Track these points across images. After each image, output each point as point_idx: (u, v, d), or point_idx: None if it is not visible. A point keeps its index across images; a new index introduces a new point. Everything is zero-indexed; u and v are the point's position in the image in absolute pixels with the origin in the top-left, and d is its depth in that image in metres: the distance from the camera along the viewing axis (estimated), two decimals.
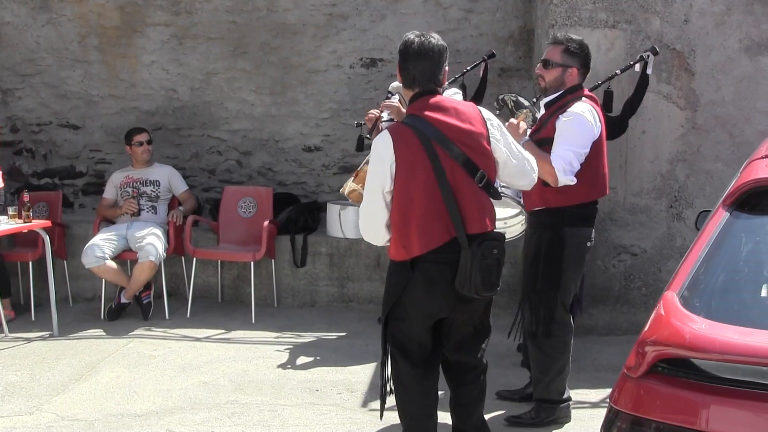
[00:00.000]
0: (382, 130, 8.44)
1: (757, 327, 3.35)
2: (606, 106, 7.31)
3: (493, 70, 9.86)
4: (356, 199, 6.26)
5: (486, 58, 8.53)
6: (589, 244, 6.26)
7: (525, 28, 10.04)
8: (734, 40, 8.28)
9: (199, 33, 10.53)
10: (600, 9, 8.25)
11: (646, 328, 3.48)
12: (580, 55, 6.24)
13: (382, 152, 4.94)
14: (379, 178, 4.94)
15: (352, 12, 10.31)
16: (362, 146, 8.36)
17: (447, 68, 5.17)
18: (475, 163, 4.97)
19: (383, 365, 5.26)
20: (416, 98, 5.08)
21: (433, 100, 5.04)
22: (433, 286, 5.00)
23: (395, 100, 7.97)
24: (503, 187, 5.71)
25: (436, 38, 5.09)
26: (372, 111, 8.08)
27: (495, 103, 6.73)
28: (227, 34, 10.51)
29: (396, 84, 7.85)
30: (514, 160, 5.17)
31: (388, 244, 5.16)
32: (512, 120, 5.94)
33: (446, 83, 5.34)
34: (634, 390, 3.41)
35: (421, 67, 5.03)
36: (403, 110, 7.82)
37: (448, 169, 4.91)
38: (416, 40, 5.04)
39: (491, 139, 5.06)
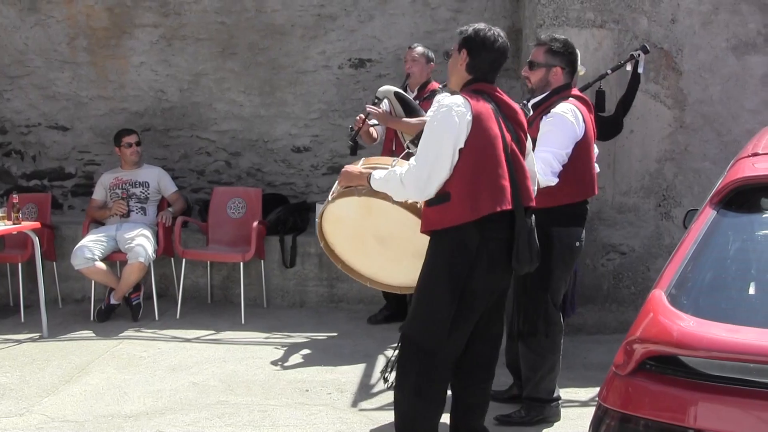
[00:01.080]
0: (371, 132, 8.51)
1: (744, 324, 3.37)
2: (598, 106, 7.31)
3: None
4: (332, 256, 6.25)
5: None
6: (578, 244, 6.25)
7: (513, 28, 10.05)
8: (721, 39, 8.32)
9: (187, 34, 10.53)
10: (588, 9, 8.27)
11: (634, 326, 3.50)
12: (564, 54, 6.25)
13: (460, 110, 4.96)
14: (455, 134, 4.94)
15: (340, 13, 10.32)
16: (356, 151, 8.36)
17: None
18: (523, 146, 5.22)
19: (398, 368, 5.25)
20: (474, 82, 5.21)
21: (492, 86, 5.23)
22: (495, 266, 5.06)
23: (385, 105, 7.98)
24: None
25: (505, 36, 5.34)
26: (359, 116, 8.10)
27: None
28: (216, 35, 10.51)
29: (384, 88, 7.84)
30: (532, 158, 5.43)
31: (421, 202, 5.20)
32: None
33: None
34: (623, 387, 3.43)
35: (496, 62, 5.25)
36: (389, 118, 7.85)
37: (509, 143, 5.08)
38: (499, 35, 5.25)
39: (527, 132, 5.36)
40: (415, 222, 5.30)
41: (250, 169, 10.80)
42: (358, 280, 6.28)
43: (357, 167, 5.58)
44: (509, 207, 4.98)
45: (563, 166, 5.98)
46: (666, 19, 8.29)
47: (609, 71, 7.57)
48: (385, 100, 7.84)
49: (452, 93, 5.24)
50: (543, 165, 5.90)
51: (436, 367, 5.11)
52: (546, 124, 6.03)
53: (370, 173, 5.32)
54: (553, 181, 5.93)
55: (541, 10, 8.32)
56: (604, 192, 8.24)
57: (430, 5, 10.17)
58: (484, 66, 5.20)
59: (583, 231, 6.32)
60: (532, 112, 6.34)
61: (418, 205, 5.32)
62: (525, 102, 6.74)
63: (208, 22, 10.47)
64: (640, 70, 7.56)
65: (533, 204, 5.18)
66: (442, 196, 5.00)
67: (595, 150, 6.43)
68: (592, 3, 8.26)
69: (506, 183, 4.99)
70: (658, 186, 8.44)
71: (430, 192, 5.02)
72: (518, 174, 5.08)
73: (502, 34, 5.26)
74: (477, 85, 5.18)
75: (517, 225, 5.01)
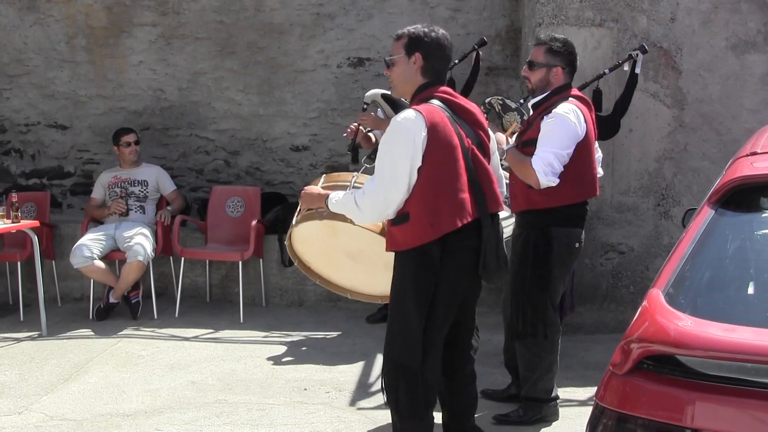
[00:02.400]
0: (370, 137, 8.54)
1: (741, 324, 3.36)
2: (595, 105, 7.29)
3: (481, 69, 9.86)
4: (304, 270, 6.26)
5: (477, 46, 8.54)
6: (577, 244, 6.24)
7: (512, 26, 10.06)
8: (721, 38, 8.32)
9: (186, 33, 10.52)
10: (587, 7, 8.27)
11: (631, 325, 3.49)
12: (564, 54, 6.22)
13: (414, 129, 4.87)
14: (410, 155, 4.85)
15: (339, 11, 10.32)
16: (357, 157, 8.39)
17: None
18: (485, 148, 5.12)
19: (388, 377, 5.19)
20: (428, 86, 5.11)
21: (444, 88, 5.13)
22: (461, 277, 5.00)
23: (380, 112, 8.00)
24: None
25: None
26: (352, 125, 8.13)
27: (482, 107, 6.76)
28: (214, 34, 10.51)
29: (371, 92, 7.86)
30: (496, 159, 5.41)
31: (382, 223, 5.19)
32: (498, 134, 6.02)
33: None
34: (620, 387, 3.42)
35: (446, 62, 5.21)
36: (381, 122, 7.87)
37: (469, 149, 4.99)
38: (444, 35, 5.16)
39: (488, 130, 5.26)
40: (380, 240, 5.29)
41: (248, 168, 10.80)
42: (337, 292, 6.32)
43: (316, 188, 5.50)
44: (471, 219, 4.91)
45: (564, 166, 5.97)
46: (665, 17, 8.28)
47: (607, 71, 7.55)
48: (375, 104, 7.86)
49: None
50: (544, 165, 5.89)
51: (421, 384, 5.06)
52: (547, 124, 6.01)
53: (328, 195, 5.25)
54: (554, 181, 5.92)
55: (540, 9, 8.32)
56: (603, 191, 8.23)
57: (429, 4, 10.17)
58: (440, 67, 5.14)
59: (583, 232, 6.31)
60: (531, 112, 6.34)
61: (382, 224, 5.30)
62: (522, 101, 6.77)
63: (207, 21, 10.47)
64: (637, 70, 7.52)
65: (502, 208, 5.12)
66: (402, 216, 4.94)
67: (598, 153, 6.43)
68: (591, 2, 8.26)
69: (466, 195, 4.90)
70: (657, 185, 8.44)
71: (389, 214, 4.99)
72: (483, 180, 5.00)
73: (446, 33, 5.19)
74: (429, 91, 5.08)
75: (484, 233, 4.94)
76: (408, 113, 4.97)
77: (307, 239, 5.96)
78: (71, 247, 9.25)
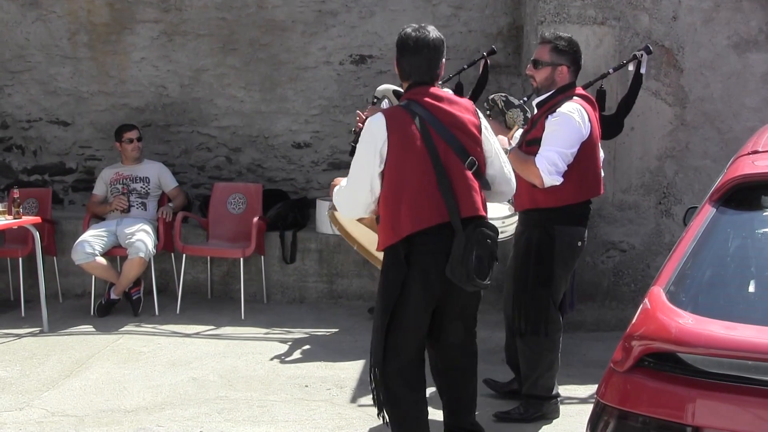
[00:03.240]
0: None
1: (742, 321, 3.37)
2: (599, 105, 7.27)
3: None
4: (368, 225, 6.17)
5: (486, 54, 8.56)
6: (580, 243, 6.23)
7: (514, 24, 10.06)
8: (723, 36, 8.32)
9: (188, 30, 10.53)
10: (589, 6, 8.27)
11: (632, 323, 3.50)
12: (570, 53, 6.22)
13: (375, 132, 4.93)
14: (370, 158, 4.93)
15: (341, 9, 10.33)
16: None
17: (444, 61, 5.22)
18: (467, 150, 5.01)
19: (374, 375, 5.20)
20: (411, 87, 5.11)
21: (426, 89, 5.07)
22: (429, 277, 4.96)
23: (385, 104, 8.00)
24: None
25: (433, 31, 5.10)
26: (359, 116, 8.13)
27: (485, 104, 6.76)
28: (216, 30, 10.51)
29: (383, 87, 7.86)
30: (501, 157, 5.26)
31: (365, 216, 5.22)
32: (500, 136, 5.96)
33: (439, 82, 5.33)
34: (621, 384, 3.43)
35: (417, 62, 5.07)
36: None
37: (441, 152, 4.93)
38: (413, 34, 5.06)
39: (482, 129, 5.14)
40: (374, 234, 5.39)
41: (250, 165, 10.80)
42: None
43: (343, 179, 5.53)
44: (433, 223, 4.90)
45: (568, 165, 5.97)
46: (667, 16, 8.28)
47: (611, 70, 7.55)
48: (385, 100, 7.85)
49: None
50: (548, 164, 5.88)
51: (387, 381, 5.09)
52: (552, 123, 6.00)
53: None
54: (558, 180, 5.92)
55: (543, 7, 8.32)
56: (605, 189, 8.22)
57: (431, 2, 10.17)
58: (412, 68, 5.09)
59: (586, 231, 6.31)
60: (535, 110, 6.34)
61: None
62: (526, 99, 6.76)
63: (209, 18, 10.47)
64: (642, 70, 7.50)
65: (479, 213, 5.02)
66: (377, 218, 5.09)
67: (601, 154, 6.42)
68: (593, 0, 8.26)
69: (429, 200, 4.89)
70: (659, 183, 8.44)
71: (358, 213, 5.16)
72: (456, 184, 4.95)
73: (423, 29, 5.09)
74: (409, 93, 5.09)
75: (455, 239, 4.90)
76: (373, 117, 5.04)
77: (350, 221, 6.01)
78: (73, 243, 9.26)
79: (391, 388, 5.11)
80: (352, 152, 8.31)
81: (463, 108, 5.13)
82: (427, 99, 5.03)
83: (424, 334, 5.15)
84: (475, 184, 5.04)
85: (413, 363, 5.15)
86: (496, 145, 5.24)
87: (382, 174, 4.94)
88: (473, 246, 4.89)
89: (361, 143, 5.02)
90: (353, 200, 5.09)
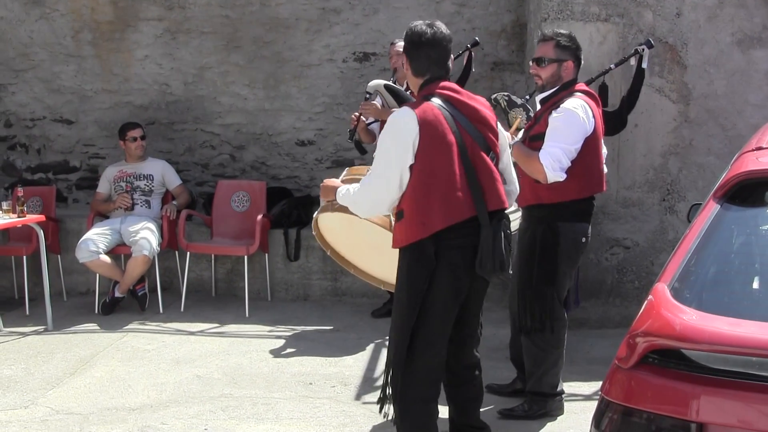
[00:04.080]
0: (370, 130, 8.60)
1: (747, 318, 3.37)
2: (602, 101, 7.25)
3: (486, 64, 9.89)
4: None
5: (470, 46, 8.53)
6: (584, 239, 6.23)
7: (518, 22, 10.06)
8: (726, 33, 8.31)
9: (192, 27, 10.54)
10: (592, 2, 8.26)
11: (637, 320, 3.50)
12: (572, 48, 6.22)
13: (406, 125, 4.88)
14: (401, 152, 4.86)
15: (344, 6, 10.33)
16: (362, 149, 8.47)
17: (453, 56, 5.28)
18: (489, 144, 5.02)
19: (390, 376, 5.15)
20: (428, 82, 5.09)
21: (445, 83, 5.08)
22: (457, 272, 4.94)
23: (377, 101, 8.02)
24: None
25: (443, 27, 5.13)
26: (354, 114, 8.15)
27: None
28: (220, 28, 10.52)
29: (374, 83, 7.87)
30: (508, 156, 5.31)
31: (385, 215, 5.22)
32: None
33: None
34: (625, 381, 3.43)
35: (435, 56, 5.07)
36: (383, 111, 7.91)
37: (468, 146, 4.93)
38: (428, 29, 5.05)
39: (498, 125, 5.16)
40: (390, 235, 5.29)
41: (254, 163, 10.81)
42: (372, 283, 6.27)
43: (336, 180, 5.51)
44: (465, 218, 4.89)
45: (571, 161, 5.97)
46: (671, 13, 8.28)
47: (613, 66, 7.54)
48: (378, 97, 7.86)
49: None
50: (552, 160, 5.88)
51: (410, 382, 5.03)
52: (555, 119, 6.00)
53: (338, 187, 5.32)
54: (562, 176, 5.91)
55: (546, 4, 8.31)
56: (609, 186, 8.18)
57: None
58: (425, 64, 5.08)
59: (590, 227, 6.31)
60: (538, 107, 6.34)
61: (391, 220, 5.30)
62: (528, 97, 6.76)
63: (213, 16, 10.48)
64: (644, 65, 7.49)
65: (505, 206, 5.03)
66: (399, 213, 4.99)
67: (604, 150, 6.41)
68: None
69: (460, 194, 4.87)
70: (663, 180, 8.44)
71: (382, 210, 5.08)
72: (483, 177, 4.95)
73: (435, 24, 5.10)
74: (429, 87, 5.06)
75: (482, 232, 4.89)
76: (401, 111, 5.01)
77: (333, 230, 5.97)
78: (77, 241, 9.27)
79: (410, 387, 5.06)
80: (358, 146, 8.37)
81: (481, 103, 5.14)
82: (450, 93, 5.03)
83: (450, 331, 5.12)
84: (499, 177, 5.05)
85: (440, 362, 5.13)
86: (505, 144, 5.25)
87: (410, 169, 4.89)
88: (500, 240, 4.91)
89: (389, 137, 4.94)
90: (379, 196, 4.97)
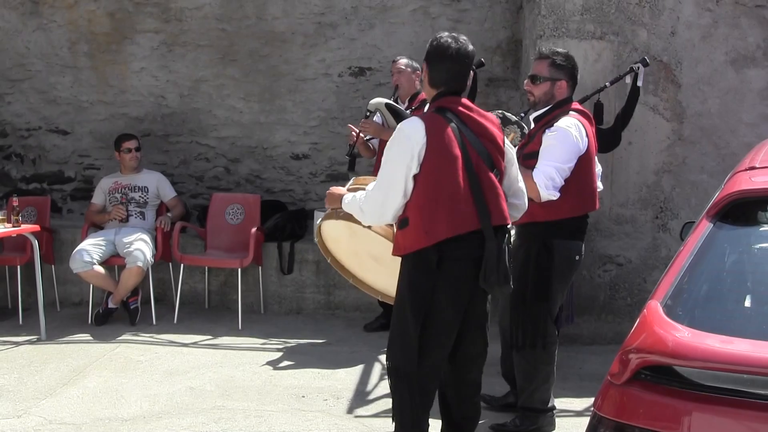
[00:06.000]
0: (369, 145, 8.62)
1: (739, 336, 3.39)
2: (597, 118, 7.27)
3: (481, 80, 9.91)
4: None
5: (475, 67, 8.55)
6: (578, 257, 6.26)
7: (513, 38, 10.10)
8: (720, 52, 8.36)
9: (188, 40, 10.56)
10: (587, 20, 8.30)
11: (629, 336, 3.52)
12: (568, 68, 6.25)
13: (413, 135, 4.91)
14: (407, 160, 4.89)
15: (341, 21, 10.36)
16: (353, 166, 8.47)
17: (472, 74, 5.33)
18: (494, 161, 5.05)
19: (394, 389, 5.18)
20: (441, 96, 5.12)
21: (458, 98, 5.11)
22: (459, 284, 4.97)
23: (377, 118, 8.05)
24: None
25: (469, 43, 5.18)
26: (354, 130, 8.17)
27: None
28: (216, 41, 10.54)
29: (376, 101, 7.90)
30: (516, 171, 5.31)
31: (387, 225, 5.24)
32: None
33: None
34: (618, 396, 3.45)
35: (455, 70, 5.11)
36: (382, 130, 7.94)
37: (474, 159, 4.95)
38: (453, 44, 5.10)
39: (505, 143, 5.18)
40: (391, 244, 5.32)
41: (248, 176, 10.83)
42: (370, 294, 6.28)
43: (341, 189, 5.55)
44: (469, 230, 4.91)
45: (564, 180, 6.00)
46: (666, 31, 8.32)
47: (608, 84, 7.58)
48: (377, 113, 7.89)
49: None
50: (545, 179, 5.90)
51: (413, 392, 5.05)
52: (549, 138, 6.02)
53: (344, 195, 5.36)
54: (555, 195, 5.93)
55: (542, 21, 8.35)
56: (602, 203, 8.21)
57: (431, 15, 10.20)
58: (443, 76, 5.12)
59: (583, 245, 6.33)
60: (532, 125, 6.36)
61: (393, 229, 5.32)
62: (523, 114, 6.79)
63: (209, 29, 10.51)
64: (639, 83, 7.54)
65: (507, 222, 5.06)
66: (403, 221, 5.01)
67: (598, 167, 6.44)
68: (592, 15, 8.29)
69: (465, 206, 4.90)
70: (656, 198, 8.47)
71: (387, 218, 5.07)
72: (488, 193, 4.97)
73: (460, 39, 5.16)
74: (442, 101, 5.10)
75: (487, 246, 4.91)
76: (409, 121, 5.04)
77: (335, 238, 5.98)
78: (71, 251, 9.27)
79: (426, 387, 5.10)
80: (350, 165, 8.38)
81: (490, 121, 5.17)
82: (460, 108, 5.07)
83: (450, 344, 5.13)
84: (502, 193, 5.07)
85: (436, 374, 5.15)
86: (514, 160, 5.29)
87: (415, 178, 4.93)
88: (504, 253, 4.93)
89: (395, 146, 4.97)
90: (384, 205, 5.00)
